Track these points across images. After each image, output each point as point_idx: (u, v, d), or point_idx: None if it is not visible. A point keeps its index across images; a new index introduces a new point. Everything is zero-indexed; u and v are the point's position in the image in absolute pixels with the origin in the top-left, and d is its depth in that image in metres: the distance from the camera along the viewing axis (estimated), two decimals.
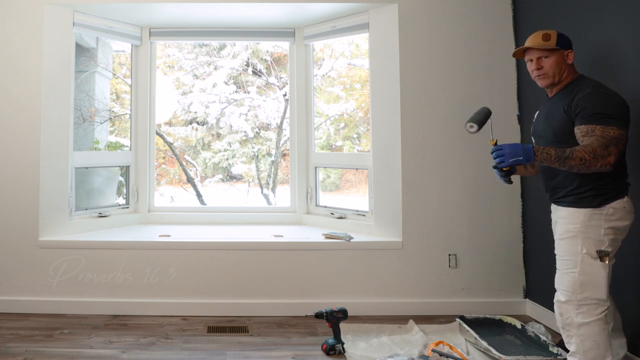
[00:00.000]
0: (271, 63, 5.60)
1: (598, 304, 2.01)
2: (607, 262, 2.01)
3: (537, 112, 2.40)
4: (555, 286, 2.15)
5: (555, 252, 2.18)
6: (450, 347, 2.60)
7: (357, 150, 5.15)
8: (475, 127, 2.22)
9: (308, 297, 3.30)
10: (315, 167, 3.99)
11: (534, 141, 2.40)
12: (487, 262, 3.35)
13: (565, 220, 2.13)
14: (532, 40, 2.28)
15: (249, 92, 5.75)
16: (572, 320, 2.05)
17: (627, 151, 2.35)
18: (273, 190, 5.53)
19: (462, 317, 2.88)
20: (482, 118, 2.26)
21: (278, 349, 2.77)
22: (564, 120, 2.12)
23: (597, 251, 2.02)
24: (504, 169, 2.10)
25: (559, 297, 2.11)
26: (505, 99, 3.39)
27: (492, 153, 2.11)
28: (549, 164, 2.04)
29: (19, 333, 2.94)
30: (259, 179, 5.66)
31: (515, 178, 3.34)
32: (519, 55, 2.38)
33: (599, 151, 1.93)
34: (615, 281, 2.33)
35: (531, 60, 2.29)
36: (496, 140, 2.18)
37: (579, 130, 2.04)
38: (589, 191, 2.07)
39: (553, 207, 2.28)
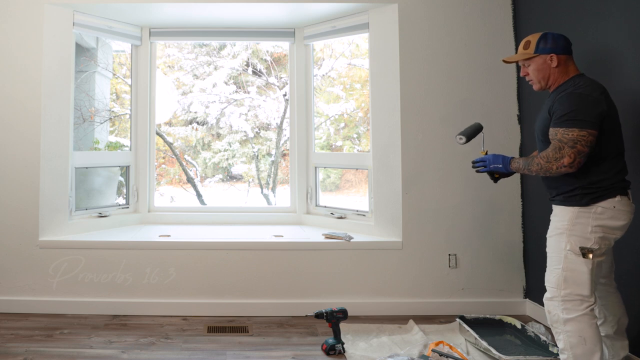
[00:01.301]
0: (271, 63, 5.60)
1: (582, 300, 2.03)
2: (590, 258, 2.03)
3: None
4: (545, 283, 2.17)
5: (546, 249, 2.21)
6: (450, 347, 2.60)
7: (357, 150, 5.14)
8: (464, 139, 2.50)
9: (308, 297, 3.30)
10: (315, 167, 3.99)
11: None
12: (487, 262, 3.35)
13: (555, 218, 2.18)
14: (518, 49, 2.36)
15: (249, 92, 5.75)
16: (558, 316, 2.06)
17: (629, 151, 2.35)
18: (273, 190, 5.53)
19: (462, 317, 2.88)
20: (471, 132, 2.53)
21: (278, 349, 2.77)
22: (548, 121, 2.15)
23: (579, 247, 2.04)
24: (495, 174, 2.40)
25: (546, 294, 2.15)
26: (505, 99, 3.39)
27: (476, 162, 2.40)
28: (522, 172, 2.25)
29: (19, 333, 2.95)
30: (259, 179, 5.66)
31: (515, 178, 3.35)
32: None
33: (552, 154, 2.06)
34: (614, 281, 2.33)
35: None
36: (486, 151, 2.47)
37: (549, 135, 2.12)
38: (577, 190, 2.09)
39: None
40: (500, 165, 2.29)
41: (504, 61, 2.44)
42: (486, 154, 2.42)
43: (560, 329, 2.06)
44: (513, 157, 2.28)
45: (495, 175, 2.39)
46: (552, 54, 2.21)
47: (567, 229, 2.09)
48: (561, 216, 2.13)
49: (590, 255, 2.02)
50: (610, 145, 2.08)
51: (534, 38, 2.26)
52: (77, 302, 3.28)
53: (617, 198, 2.05)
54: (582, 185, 2.08)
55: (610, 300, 2.24)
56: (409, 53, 3.40)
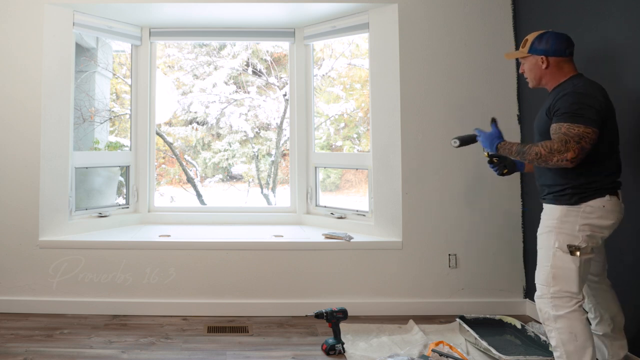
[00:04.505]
0: (271, 63, 5.60)
1: (571, 297, 2.04)
2: (578, 256, 2.04)
3: None
4: (535, 281, 2.19)
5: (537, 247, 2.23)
6: (450, 347, 2.60)
7: (357, 150, 5.15)
8: (458, 142, 2.55)
9: (308, 297, 3.30)
10: (315, 167, 3.99)
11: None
12: (487, 262, 3.35)
13: (545, 217, 2.19)
14: (520, 45, 2.38)
15: (249, 92, 5.75)
16: (548, 314, 2.08)
17: (631, 152, 2.35)
18: (273, 190, 5.53)
19: (462, 317, 2.88)
20: (466, 139, 2.55)
21: (278, 349, 2.77)
22: (546, 121, 2.15)
23: (567, 245, 2.06)
24: (494, 160, 2.47)
25: (536, 292, 2.16)
26: (505, 99, 3.39)
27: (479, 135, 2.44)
28: (512, 157, 2.24)
29: (19, 333, 2.94)
30: (259, 179, 5.67)
31: (515, 178, 3.35)
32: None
33: (556, 146, 2.01)
34: (613, 281, 2.33)
35: None
36: (488, 152, 2.44)
37: (551, 130, 2.10)
38: (567, 189, 2.10)
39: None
40: (487, 147, 2.35)
41: (505, 56, 2.48)
42: (488, 155, 2.45)
43: (551, 326, 2.07)
44: (503, 141, 2.27)
45: (504, 172, 2.47)
46: (542, 56, 2.23)
47: (555, 226, 2.10)
48: (550, 214, 2.15)
49: (578, 253, 2.05)
50: (605, 146, 2.08)
51: (532, 37, 2.28)
52: (77, 302, 3.28)
53: (607, 197, 2.07)
54: (573, 185, 2.09)
55: (605, 298, 2.25)
56: (409, 53, 3.40)
